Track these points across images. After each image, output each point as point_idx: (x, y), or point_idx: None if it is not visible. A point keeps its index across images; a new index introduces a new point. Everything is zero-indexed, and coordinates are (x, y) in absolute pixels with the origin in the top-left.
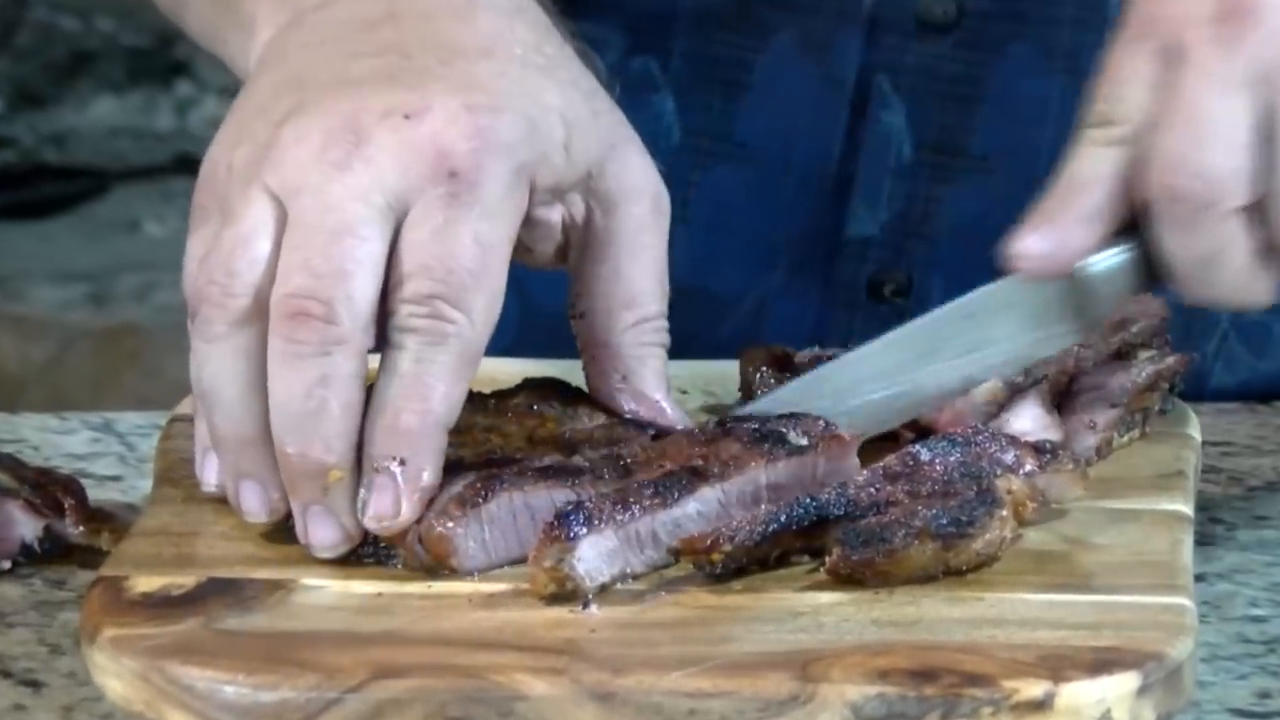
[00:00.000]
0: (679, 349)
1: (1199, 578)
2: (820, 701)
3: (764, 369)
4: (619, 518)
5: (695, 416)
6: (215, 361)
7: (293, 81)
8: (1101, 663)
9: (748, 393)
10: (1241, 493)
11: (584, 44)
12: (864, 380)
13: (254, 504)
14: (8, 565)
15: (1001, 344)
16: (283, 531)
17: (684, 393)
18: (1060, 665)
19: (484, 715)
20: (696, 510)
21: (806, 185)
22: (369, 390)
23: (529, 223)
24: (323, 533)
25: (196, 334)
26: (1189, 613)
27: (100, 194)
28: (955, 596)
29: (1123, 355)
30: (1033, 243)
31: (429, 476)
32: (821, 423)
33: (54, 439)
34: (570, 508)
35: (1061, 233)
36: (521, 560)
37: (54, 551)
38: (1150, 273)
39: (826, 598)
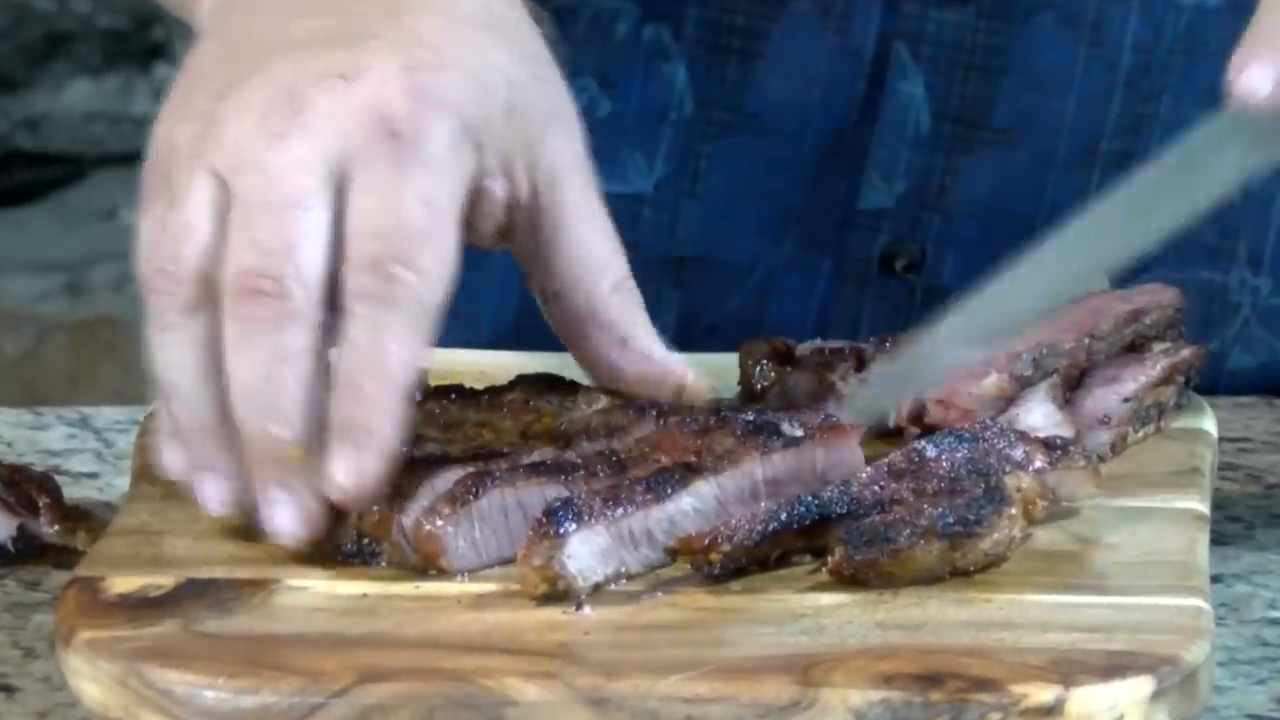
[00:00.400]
0: (685, 321)
1: (1215, 578)
2: (822, 707)
3: (764, 362)
4: (610, 514)
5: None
6: (170, 350)
7: (233, 49)
8: (1114, 667)
9: (748, 387)
10: (1260, 490)
11: (537, 4)
12: (1072, 255)
13: (215, 496)
14: None
15: (1213, 181)
16: (263, 534)
17: None
18: (1071, 669)
19: None
20: (692, 506)
21: (820, 156)
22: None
23: (473, 195)
24: (284, 515)
25: (150, 324)
26: (1205, 615)
27: (76, 181)
28: (962, 598)
29: (1136, 348)
30: (1255, 72)
31: (392, 443)
32: (820, 413)
33: (28, 435)
34: (559, 503)
35: None
36: (513, 560)
37: (28, 552)
38: None
39: (828, 599)
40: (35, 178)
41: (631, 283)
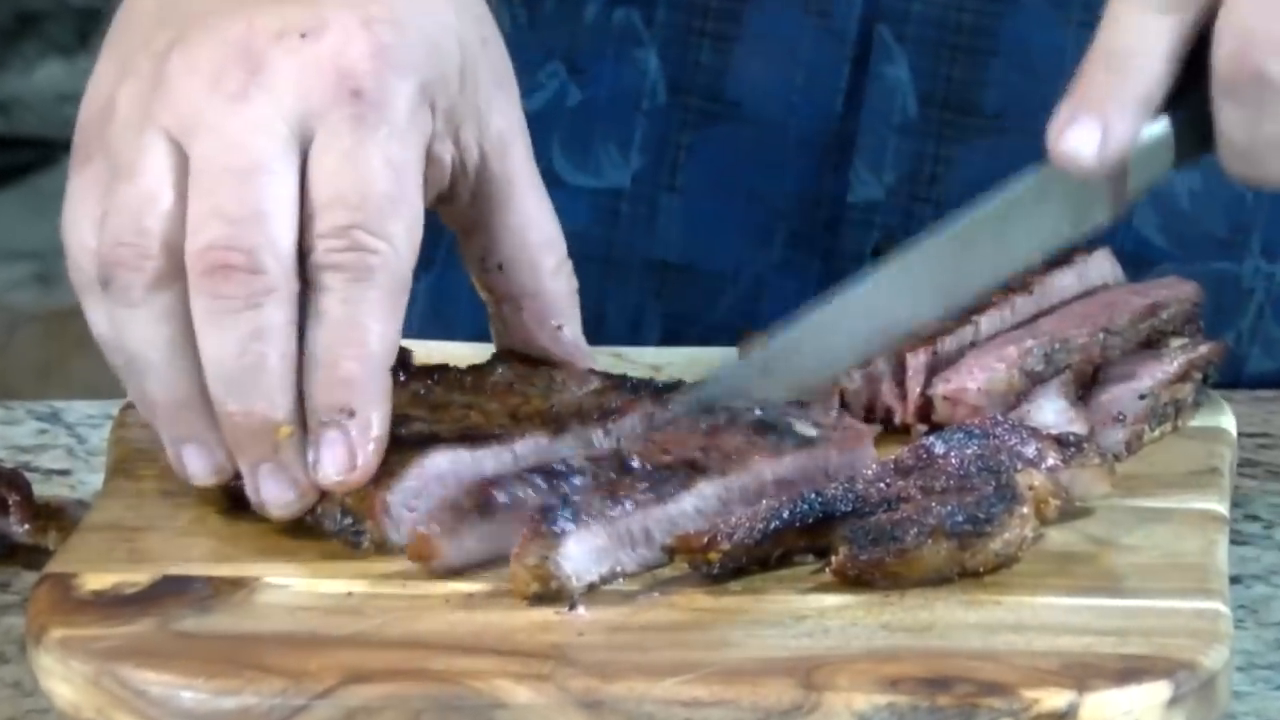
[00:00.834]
0: (670, 333)
1: (1234, 580)
2: (825, 711)
3: None
4: (609, 514)
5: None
6: (138, 327)
7: (171, 1)
8: (1129, 671)
9: None
10: None
11: None
12: (884, 301)
13: (199, 467)
14: None
15: (1031, 237)
16: (244, 526)
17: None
18: (1085, 674)
19: None
20: (695, 508)
21: (805, 147)
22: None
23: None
24: (277, 490)
25: (113, 300)
26: (1223, 618)
27: (47, 166)
28: (971, 599)
29: (1152, 343)
30: (1077, 134)
31: (379, 423)
32: (834, 412)
33: None
34: (556, 502)
35: (1109, 119)
36: (506, 558)
37: None
38: (1194, 145)
39: (832, 600)
40: (5, 162)
41: (569, 263)
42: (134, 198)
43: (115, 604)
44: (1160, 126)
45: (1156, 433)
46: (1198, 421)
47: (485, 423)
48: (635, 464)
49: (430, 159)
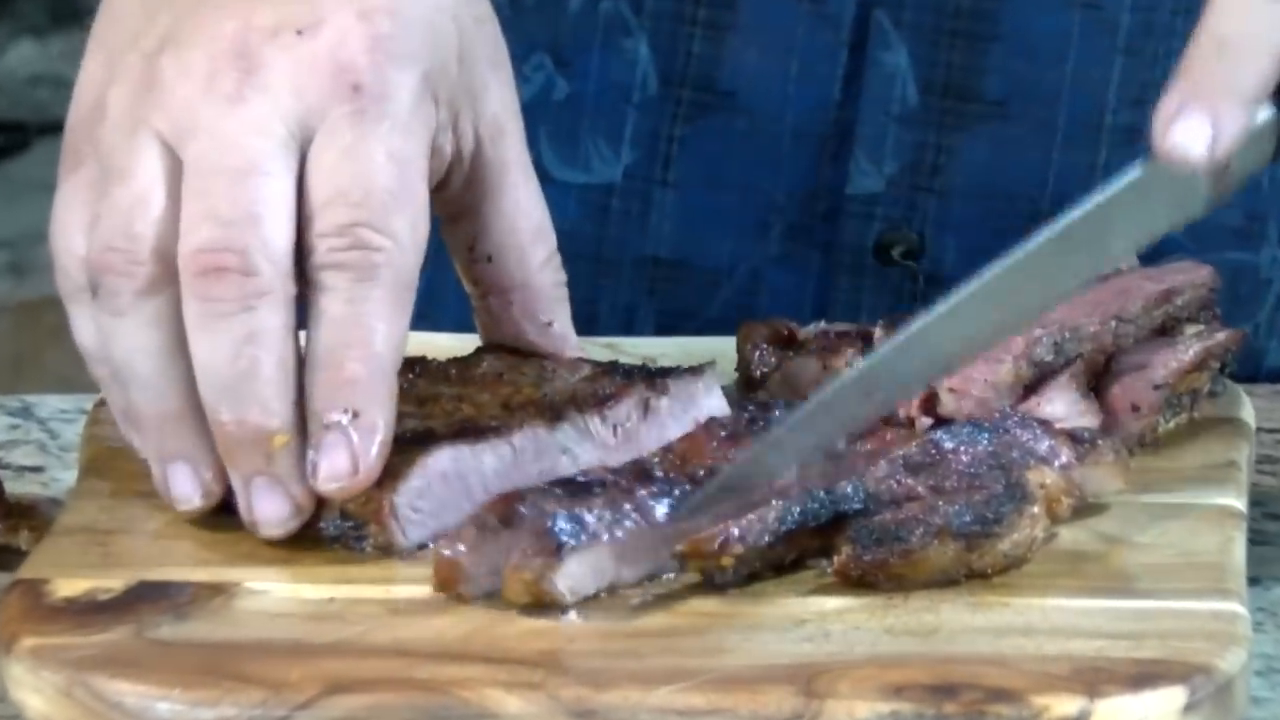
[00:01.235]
0: (664, 331)
1: (1253, 581)
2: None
3: (764, 346)
4: (618, 534)
5: None
6: (127, 335)
7: None
8: (1143, 676)
9: (745, 373)
10: None
11: None
12: (978, 314)
13: (186, 487)
14: None
15: (1129, 234)
16: (223, 529)
17: None
18: (1097, 679)
19: None
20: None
21: (802, 137)
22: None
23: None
24: (271, 506)
25: (102, 308)
26: (1241, 620)
27: (19, 150)
28: (979, 602)
29: (1167, 331)
30: (1186, 128)
31: (384, 427)
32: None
33: None
34: (564, 520)
35: (1220, 113)
36: None
37: None
38: None
39: (834, 603)
40: None
41: (558, 257)
42: (125, 201)
43: (88, 611)
44: (1265, 114)
45: (1171, 424)
46: (1214, 412)
47: (478, 415)
48: (658, 475)
49: (432, 151)
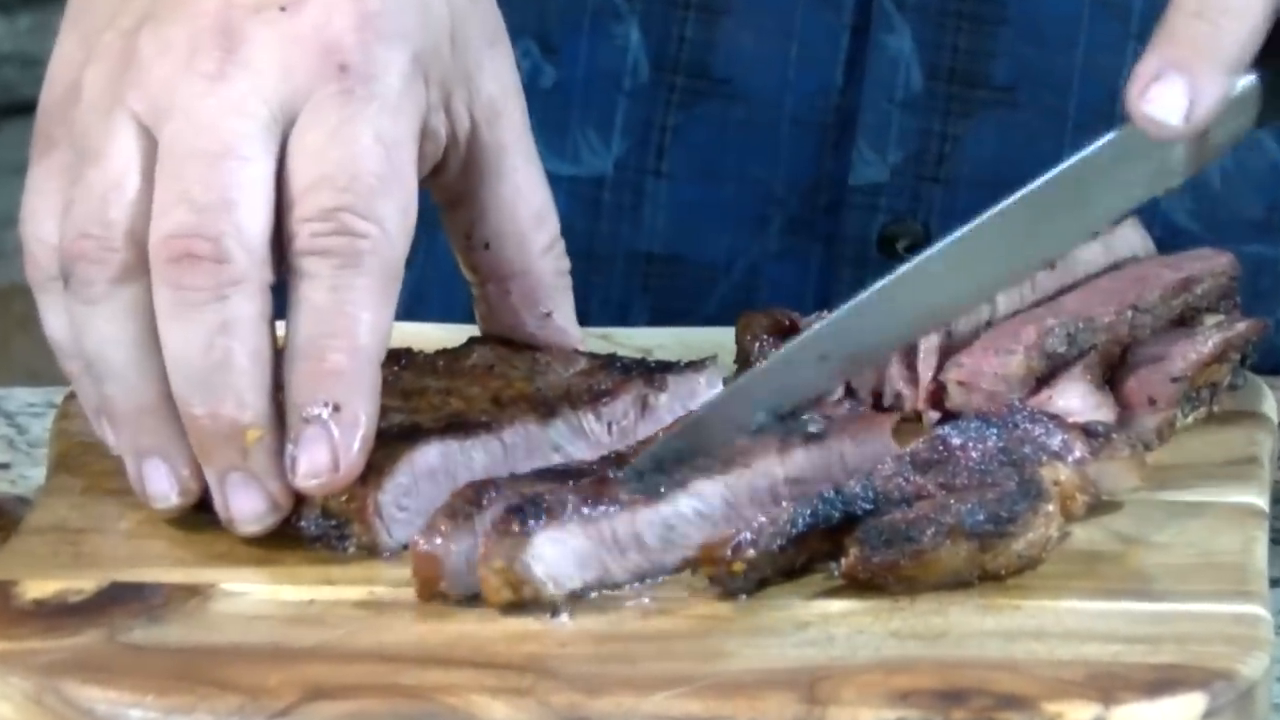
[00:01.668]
0: (659, 325)
1: (1275, 582)
2: None
3: (764, 337)
4: (586, 512)
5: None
6: (100, 325)
7: None
8: (1161, 682)
9: (745, 365)
10: None
11: None
12: (948, 275)
13: (161, 484)
14: None
15: (1106, 201)
16: (199, 529)
17: None
18: (1112, 685)
19: None
20: (695, 510)
21: (802, 125)
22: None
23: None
24: (247, 503)
25: (74, 297)
26: (1263, 623)
27: None
28: (989, 604)
29: (1185, 321)
30: (1162, 94)
31: (366, 421)
32: (845, 402)
33: None
34: (523, 500)
35: (1199, 79)
36: None
37: None
38: (1276, 108)
39: (838, 605)
40: None
41: (561, 244)
42: (99, 186)
43: (58, 614)
44: (1246, 81)
45: (1190, 419)
46: (1235, 406)
47: (467, 409)
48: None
49: (424, 134)
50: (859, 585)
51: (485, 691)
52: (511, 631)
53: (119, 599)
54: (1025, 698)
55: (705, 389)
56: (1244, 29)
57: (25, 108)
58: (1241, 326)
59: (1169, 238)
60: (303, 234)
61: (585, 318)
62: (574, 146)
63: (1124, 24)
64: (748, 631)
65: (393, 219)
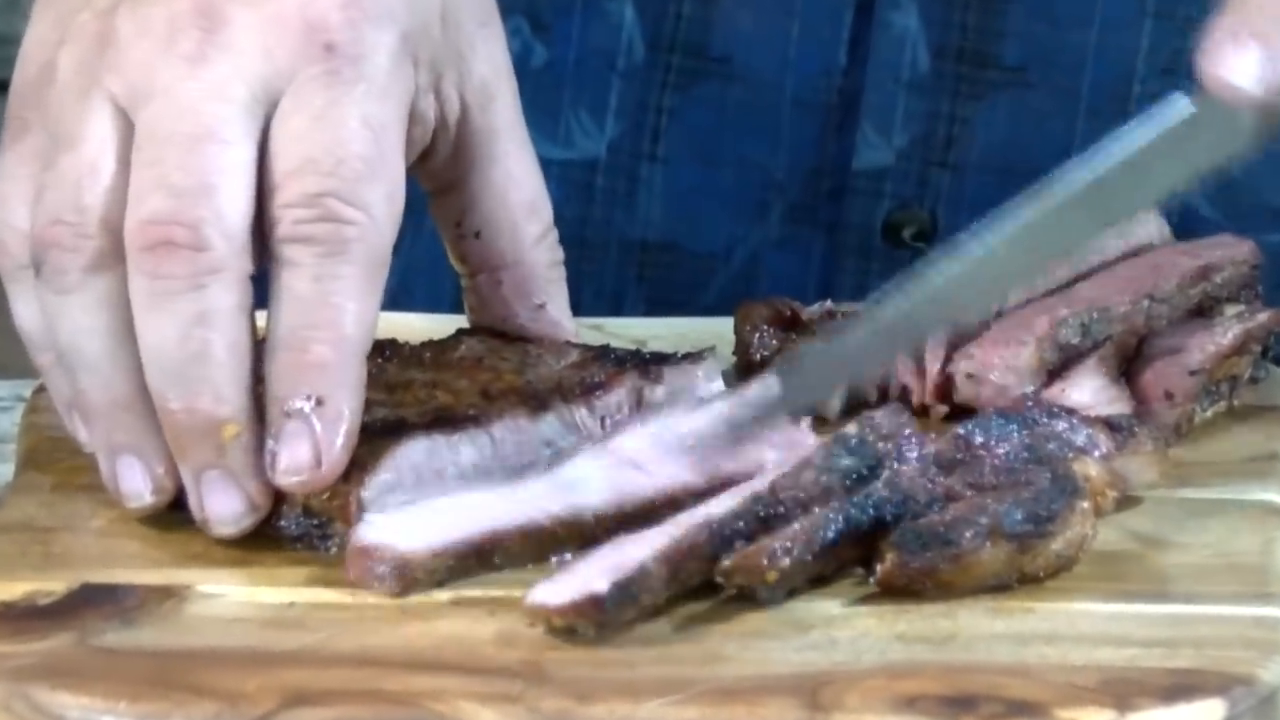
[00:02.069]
0: (655, 316)
1: None
2: None
3: (764, 328)
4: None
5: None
6: (74, 316)
7: None
8: (1178, 688)
9: (744, 357)
10: None
11: None
12: (1010, 254)
13: (135, 483)
14: None
15: (1172, 172)
16: (174, 528)
17: None
18: (1127, 691)
19: None
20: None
21: (803, 107)
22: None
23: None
24: (223, 502)
25: (46, 286)
26: None
27: None
28: (999, 607)
29: (1204, 311)
30: (1237, 58)
31: (350, 416)
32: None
33: None
34: (625, 584)
35: (1275, 44)
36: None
37: None
38: None
39: (841, 607)
40: None
41: (555, 233)
42: (74, 171)
43: (28, 616)
44: None
45: (1209, 413)
46: (1255, 400)
47: (454, 403)
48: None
49: (413, 117)
50: (897, 592)
51: (473, 697)
52: (500, 634)
53: (91, 601)
54: (1037, 704)
55: (703, 382)
56: None
57: None
58: (1263, 317)
59: (1187, 225)
60: (285, 220)
61: (577, 308)
62: (566, 129)
63: (1140, 1)
64: (747, 635)
65: (379, 205)
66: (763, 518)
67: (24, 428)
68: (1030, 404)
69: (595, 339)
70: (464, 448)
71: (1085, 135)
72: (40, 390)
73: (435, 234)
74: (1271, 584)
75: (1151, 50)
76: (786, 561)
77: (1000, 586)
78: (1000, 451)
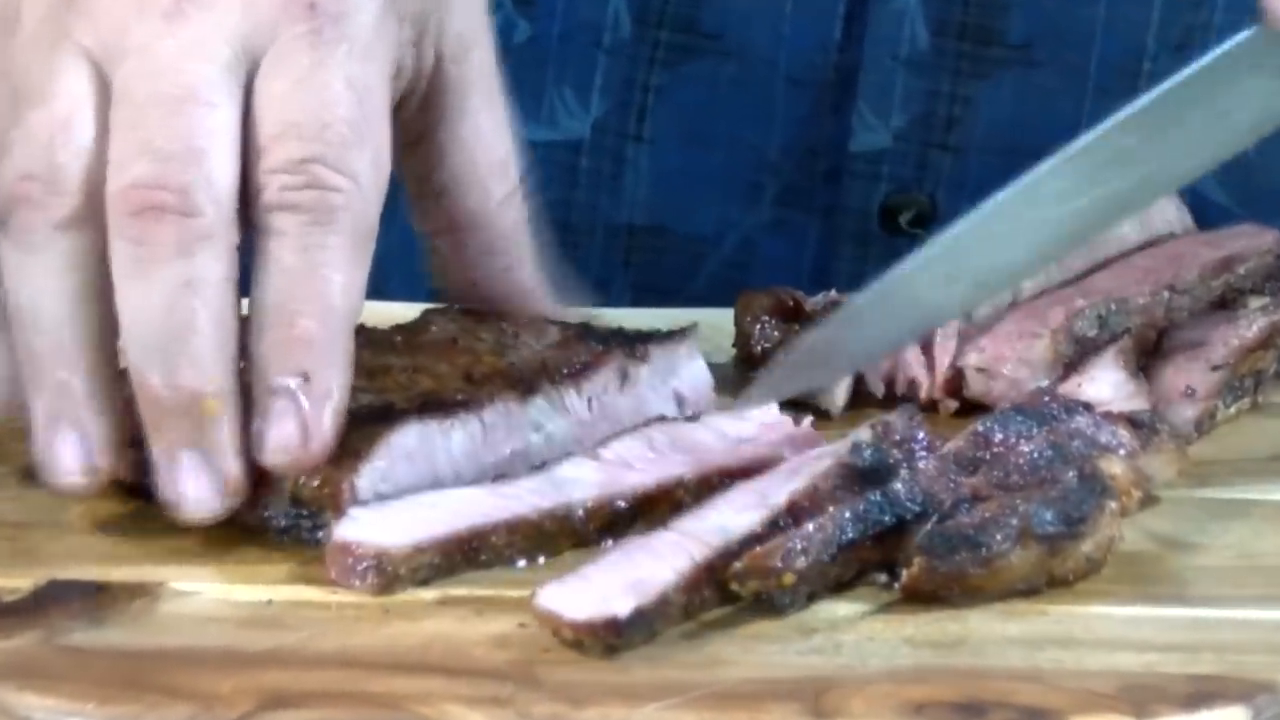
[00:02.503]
0: (640, 305)
1: None
2: None
3: (766, 319)
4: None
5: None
6: (37, 274)
7: None
8: (1199, 694)
9: (745, 349)
10: None
11: None
12: (1057, 199)
13: (70, 460)
14: None
15: (1241, 116)
16: (145, 521)
17: None
18: (1146, 698)
19: None
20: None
21: (798, 85)
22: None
23: None
24: (197, 483)
25: (11, 242)
26: None
27: None
28: (1011, 610)
29: (1227, 303)
30: None
31: (338, 393)
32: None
33: None
34: (647, 612)
35: None
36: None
37: None
38: None
39: (846, 609)
40: None
41: (521, 194)
42: (45, 127)
43: None
44: None
45: (1232, 410)
46: None
47: (439, 387)
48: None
49: (395, 71)
50: (924, 598)
51: (461, 701)
52: (490, 635)
53: (58, 598)
54: (1051, 711)
55: (686, 360)
56: None
57: None
58: None
59: (1197, 211)
60: (271, 187)
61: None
62: (549, 108)
63: None
64: (748, 637)
65: (366, 172)
66: (783, 529)
67: None
68: (1047, 399)
69: None
70: (455, 433)
71: (1093, 115)
72: None
73: (408, 231)
74: None
75: (1163, 25)
76: (803, 561)
77: (1016, 590)
78: (1024, 450)
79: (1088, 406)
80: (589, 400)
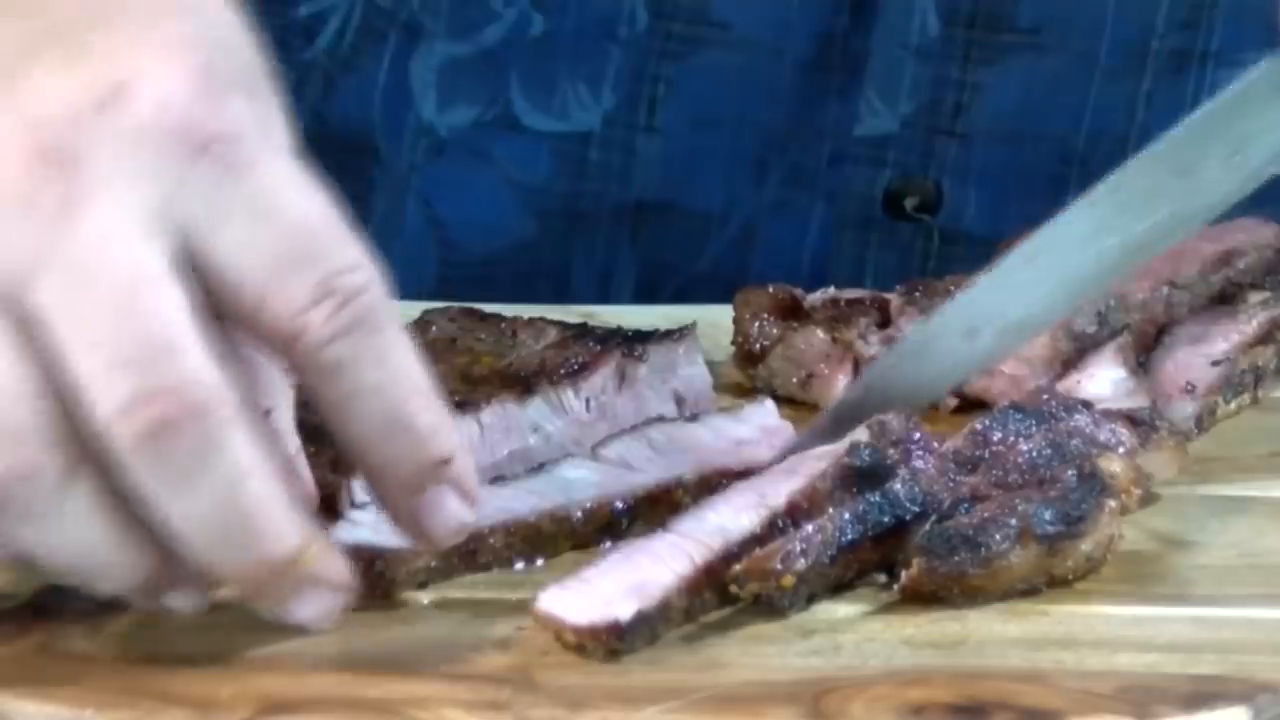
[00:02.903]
0: (646, 283)
1: None
2: None
3: (765, 316)
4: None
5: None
6: (66, 533)
7: None
8: (1200, 695)
9: (744, 346)
10: None
11: None
12: (1089, 239)
13: (183, 603)
14: None
15: (1267, 141)
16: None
17: None
18: (1147, 698)
19: None
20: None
21: (806, 72)
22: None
23: None
24: (315, 608)
25: (19, 521)
26: None
27: None
28: (1011, 610)
29: (1227, 298)
30: None
31: (464, 457)
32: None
33: None
34: (649, 616)
35: None
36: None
37: None
38: None
39: (845, 610)
40: None
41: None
42: None
43: None
44: None
45: (1232, 406)
46: None
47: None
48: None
49: None
50: (924, 599)
51: (458, 705)
52: (488, 639)
53: (55, 603)
54: (1051, 712)
55: (685, 360)
56: None
57: None
58: None
59: None
60: (314, 325)
61: (568, 275)
62: (562, 101)
63: None
64: (746, 639)
65: (364, 256)
66: (782, 530)
67: None
68: (1046, 397)
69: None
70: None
71: (1099, 96)
72: None
73: (411, 226)
74: None
75: (1173, 4)
76: (802, 564)
77: (1016, 590)
78: (1023, 449)
79: (1087, 404)
80: (587, 401)
